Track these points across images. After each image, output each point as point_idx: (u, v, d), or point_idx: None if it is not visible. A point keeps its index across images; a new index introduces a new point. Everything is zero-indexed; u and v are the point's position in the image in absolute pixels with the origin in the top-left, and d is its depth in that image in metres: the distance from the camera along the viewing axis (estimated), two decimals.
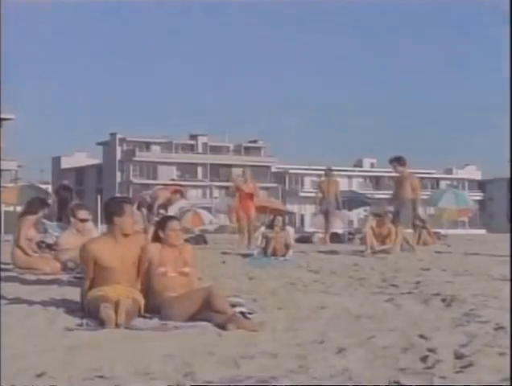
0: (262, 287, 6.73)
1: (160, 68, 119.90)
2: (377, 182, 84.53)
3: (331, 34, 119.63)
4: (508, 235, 20.98)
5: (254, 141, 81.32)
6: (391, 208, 11.75)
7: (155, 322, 4.63)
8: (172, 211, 12.53)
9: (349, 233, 18.93)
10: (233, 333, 4.30)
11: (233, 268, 9.03)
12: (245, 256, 11.04)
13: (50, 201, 9.57)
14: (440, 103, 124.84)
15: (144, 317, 4.74)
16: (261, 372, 3.27)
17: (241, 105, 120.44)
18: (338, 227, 19.55)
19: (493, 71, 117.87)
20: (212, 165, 76.93)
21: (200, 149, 78.99)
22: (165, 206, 11.97)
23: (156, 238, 5.07)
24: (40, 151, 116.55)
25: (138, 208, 11.99)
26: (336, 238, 17.68)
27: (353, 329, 4.41)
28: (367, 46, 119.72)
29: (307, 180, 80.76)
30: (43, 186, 27.57)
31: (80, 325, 4.50)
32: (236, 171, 73.69)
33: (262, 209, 20.70)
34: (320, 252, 12.59)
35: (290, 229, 11.67)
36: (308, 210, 65.73)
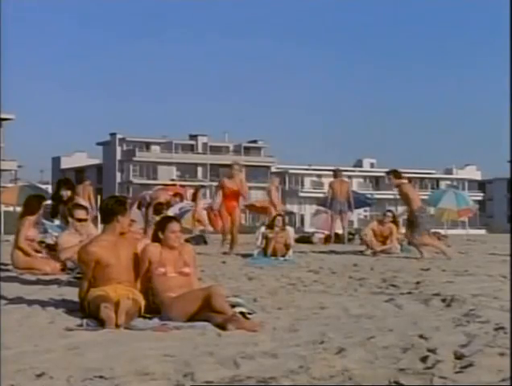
0: (262, 287, 6.73)
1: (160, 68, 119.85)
2: (377, 182, 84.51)
3: (331, 34, 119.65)
4: (508, 235, 20.99)
5: (254, 141, 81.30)
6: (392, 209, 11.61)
7: (155, 322, 4.63)
8: (172, 211, 12.54)
9: (349, 233, 18.90)
10: (233, 333, 4.31)
11: (233, 268, 9.03)
12: (245, 256, 11.04)
13: (47, 198, 9.37)
14: (441, 103, 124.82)
15: (144, 317, 4.75)
16: (261, 372, 3.26)
17: (241, 105, 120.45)
18: (338, 228, 19.52)
19: (494, 71, 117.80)
20: (212, 165, 76.88)
21: (199, 149, 78.95)
22: (164, 207, 11.89)
23: (156, 238, 5.07)
24: (40, 151, 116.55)
25: (138, 208, 11.99)
26: (336, 238, 17.68)
27: (352, 329, 4.41)
28: (367, 45, 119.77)
29: (307, 180, 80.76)
30: (43, 187, 27.54)
31: (80, 325, 4.50)
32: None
33: (262, 209, 20.68)
34: (320, 252, 12.58)
35: (290, 229, 11.66)
36: (308, 210, 65.69)
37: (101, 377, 3.20)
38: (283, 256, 10.83)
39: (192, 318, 4.62)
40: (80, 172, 73.36)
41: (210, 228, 16.85)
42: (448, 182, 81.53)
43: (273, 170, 80.00)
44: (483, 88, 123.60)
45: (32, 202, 8.51)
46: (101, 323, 4.47)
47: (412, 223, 11.13)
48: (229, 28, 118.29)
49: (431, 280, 7.30)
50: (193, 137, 79.49)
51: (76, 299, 5.10)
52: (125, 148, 76.62)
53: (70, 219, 7.81)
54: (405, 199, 11.31)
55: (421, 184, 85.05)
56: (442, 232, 21.02)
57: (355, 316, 4.98)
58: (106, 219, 5.06)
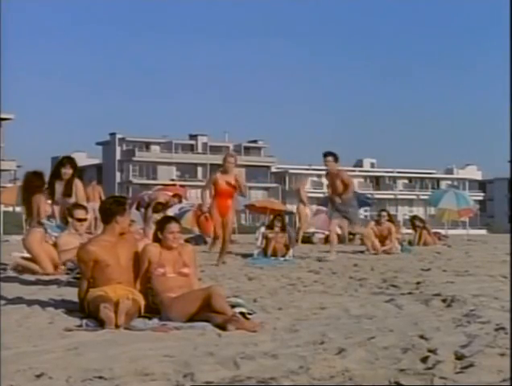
0: (262, 287, 6.72)
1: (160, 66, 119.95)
2: (377, 182, 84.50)
3: (331, 34, 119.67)
4: (508, 235, 20.97)
5: (254, 141, 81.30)
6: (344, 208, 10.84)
7: (155, 322, 4.63)
8: (172, 211, 12.51)
9: (350, 233, 18.90)
10: (233, 333, 4.30)
11: (233, 268, 9.02)
12: (245, 256, 11.03)
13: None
14: (441, 102, 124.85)
15: (144, 317, 4.74)
16: (261, 373, 3.26)
17: (241, 105, 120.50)
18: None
19: (496, 70, 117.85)
20: (212, 165, 76.72)
21: (199, 149, 78.89)
22: (163, 208, 11.82)
23: (157, 238, 5.07)
24: (39, 151, 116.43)
25: (137, 208, 11.99)
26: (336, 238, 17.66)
27: (353, 329, 4.40)
28: (368, 45, 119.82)
29: (308, 180, 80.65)
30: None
31: (80, 325, 4.50)
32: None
33: (262, 210, 20.68)
34: (320, 252, 12.57)
35: (290, 229, 11.65)
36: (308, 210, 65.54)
37: (100, 378, 3.20)
38: (283, 256, 10.82)
39: (192, 319, 4.61)
40: (79, 172, 73.22)
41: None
42: (449, 182, 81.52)
43: (273, 170, 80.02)
44: (484, 88, 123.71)
45: (33, 178, 8.11)
46: (100, 323, 4.47)
47: (349, 213, 10.76)
48: (228, 28, 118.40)
49: (431, 280, 7.29)
50: (193, 136, 79.45)
51: (76, 299, 5.10)
52: (124, 148, 76.58)
53: (70, 219, 7.78)
54: (342, 186, 10.59)
55: (421, 184, 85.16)
56: (442, 232, 21.04)
57: (355, 316, 4.97)
58: (105, 220, 5.06)
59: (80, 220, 7.74)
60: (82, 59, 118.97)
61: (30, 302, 5.29)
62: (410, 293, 6.16)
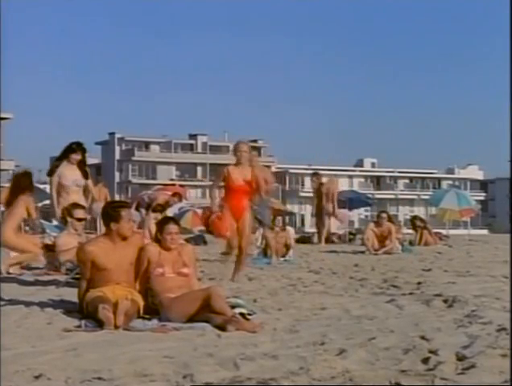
0: (262, 288, 6.70)
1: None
2: (378, 182, 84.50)
3: (332, 33, 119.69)
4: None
5: (254, 141, 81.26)
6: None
7: (154, 323, 4.61)
8: (171, 211, 12.47)
9: (350, 233, 18.90)
10: (233, 334, 4.28)
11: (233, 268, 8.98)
12: None
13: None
14: (442, 102, 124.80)
15: (143, 318, 4.73)
16: (261, 374, 3.24)
17: (241, 104, 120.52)
18: (339, 228, 19.51)
19: (497, 70, 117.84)
20: (211, 164, 76.74)
21: (199, 148, 78.82)
22: (163, 208, 11.73)
23: (157, 239, 5.06)
24: (38, 151, 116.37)
25: (137, 209, 11.95)
26: (336, 238, 17.67)
27: (353, 330, 4.39)
28: (369, 44, 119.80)
29: (308, 180, 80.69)
30: (41, 186, 27.44)
31: (79, 326, 4.48)
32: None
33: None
34: (320, 252, 12.56)
35: (290, 229, 11.64)
36: (309, 210, 65.64)
37: (99, 378, 3.18)
38: (283, 256, 10.81)
39: (192, 319, 4.59)
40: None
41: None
42: (450, 182, 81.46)
43: (273, 169, 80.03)
44: (485, 87, 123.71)
45: (21, 179, 7.99)
46: (99, 324, 4.45)
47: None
48: (228, 27, 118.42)
49: (432, 280, 7.29)
50: (193, 136, 79.37)
51: (75, 300, 5.09)
52: (124, 147, 76.50)
53: (69, 219, 7.74)
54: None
55: (422, 184, 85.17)
56: (443, 232, 21.03)
57: (356, 317, 4.96)
58: (104, 223, 5.08)
59: (79, 220, 7.72)
60: (81, 58, 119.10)
61: (28, 303, 5.28)
62: (411, 294, 6.15)
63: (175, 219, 5.22)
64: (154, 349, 3.79)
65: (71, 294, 5.39)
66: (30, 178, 8.11)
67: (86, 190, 8.16)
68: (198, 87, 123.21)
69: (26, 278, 7.31)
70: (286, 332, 4.38)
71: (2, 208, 8.56)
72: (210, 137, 79.40)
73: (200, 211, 20.05)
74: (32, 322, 4.60)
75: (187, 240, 10.38)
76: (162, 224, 5.04)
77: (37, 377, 3.19)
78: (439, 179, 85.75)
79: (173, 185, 31.37)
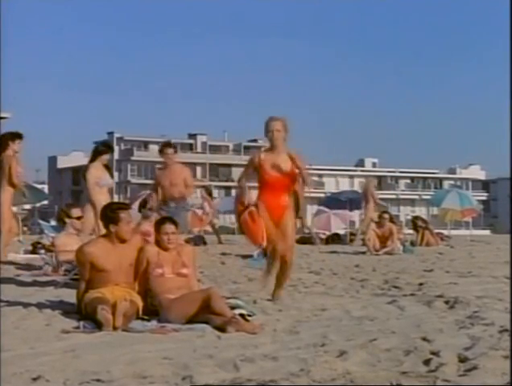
0: (262, 289, 6.66)
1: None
2: (379, 182, 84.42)
3: (332, 33, 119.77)
4: None
5: (254, 140, 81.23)
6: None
7: (153, 324, 4.59)
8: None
9: (351, 234, 18.88)
10: (233, 335, 4.27)
11: (233, 269, 8.99)
12: (245, 257, 10.99)
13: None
14: (444, 101, 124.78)
15: (142, 319, 4.71)
16: (261, 375, 3.23)
17: (241, 103, 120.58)
18: (339, 228, 19.50)
19: (499, 69, 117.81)
20: (211, 164, 76.67)
21: (199, 148, 78.61)
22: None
23: (156, 239, 5.03)
24: (36, 150, 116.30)
25: (139, 210, 11.88)
26: (337, 239, 17.66)
27: (354, 331, 4.37)
28: (370, 44, 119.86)
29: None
30: (39, 186, 27.41)
31: (77, 327, 4.47)
32: (235, 171, 73.59)
33: None
34: (321, 252, 12.55)
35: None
36: (309, 210, 65.57)
37: (98, 380, 3.16)
38: None
39: (191, 320, 4.58)
40: (77, 172, 73.31)
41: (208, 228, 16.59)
42: (452, 182, 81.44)
43: None
44: (487, 87, 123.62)
45: (8, 137, 7.79)
46: (98, 325, 4.44)
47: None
48: (227, 27, 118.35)
49: (434, 281, 7.27)
50: (192, 136, 79.09)
51: (73, 301, 5.07)
52: (122, 147, 76.32)
53: (67, 220, 7.72)
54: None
55: (424, 184, 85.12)
56: (445, 232, 21.00)
57: (357, 318, 4.94)
58: (103, 226, 5.06)
59: (78, 218, 7.68)
60: (79, 57, 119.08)
61: (26, 304, 5.27)
62: (412, 295, 6.14)
63: (172, 219, 5.18)
64: (154, 350, 3.78)
65: (69, 295, 5.38)
66: (19, 138, 7.88)
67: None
68: (197, 86, 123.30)
69: (24, 279, 7.30)
70: (287, 333, 4.36)
71: None
72: (210, 136, 79.19)
73: (199, 212, 19.97)
74: (30, 323, 4.60)
75: (186, 241, 10.33)
76: (158, 225, 5.02)
77: (35, 379, 3.18)
78: (441, 179, 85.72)
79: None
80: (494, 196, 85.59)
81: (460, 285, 6.95)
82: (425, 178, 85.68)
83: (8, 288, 6.50)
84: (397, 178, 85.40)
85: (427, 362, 3.44)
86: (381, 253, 12.45)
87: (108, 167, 8.15)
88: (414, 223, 16.94)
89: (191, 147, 78.61)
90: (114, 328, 4.41)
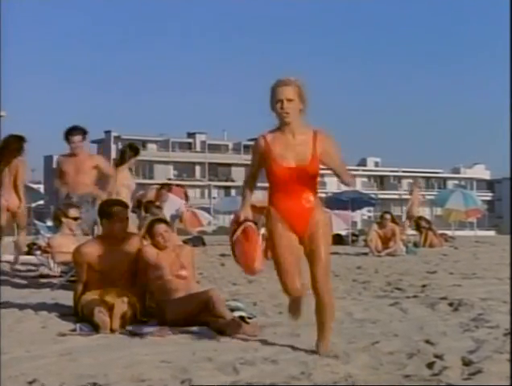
0: (263, 291, 6.66)
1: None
2: (381, 181, 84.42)
3: (333, 31, 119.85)
4: None
5: (254, 140, 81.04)
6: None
7: (152, 326, 4.56)
8: (169, 211, 12.28)
9: (353, 235, 18.84)
10: (233, 338, 4.22)
11: (232, 270, 8.92)
12: None
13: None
14: (448, 100, 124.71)
15: (140, 321, 4.67)
16: (261, 379, 3.20)
17: (240, 103, 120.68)
18: (340, 229, 19.44)
19: (502, 68, 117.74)
20: (210, 164, 76.54)
21: (198, 147, 78.40)
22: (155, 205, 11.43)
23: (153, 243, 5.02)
24: (32, 149, 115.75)
25: (133, 211, 11.81)
26: (339, 240, 17.61)
27: (356, 334, 4.34)
28: (372, 43, 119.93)
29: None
30: (35, 186, 27.41)
31: (74, 330, 4.44)
32: (235, 171, 73.38)
33: (262, 210, 20.52)
34: None
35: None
36: None
37: (95, 384, 3.14)
38: None
39: (190, 323, 4.54)
40: None
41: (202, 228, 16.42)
42: (456, 182, 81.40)
43: None
44: (491, 86, 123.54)
45: (12, 141, 7.53)
46: (95, 328, 4.42)
47: None
48: (226, 26, 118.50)
49: (437, 283, 7.26)
50: (191, 135, 78.89)
51: (70, 303, 5.07)
52: (120, 146, 76.31)
53: (64, 220, 7.64)
54: None
55: (427, 184, 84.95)
56: (449, 233, 20.95)
57: (359, 320, 4.91)
58: (100, 222, 5.02)
59: (75, 219, 7.61)
60: (77, 55, 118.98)
61: (22, 306, 5.26)
62: (415, 297, 6.12)
63: (161, 219, 5.19)
64: (152, 353, 3.75)
65: (66, 297, 5.37)
66: (22, 142, 7.66)
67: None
68: (196, 85, 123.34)
69: (19, 281, 7.26)
70: (287, 336, 4.33)
71: None
72: (209, 135, 78.90)
73: (198, 212, 19.91)
74: (26, 325, 4.58)
75: (185, 242, 10.27)
76: (150, 229, 4.99)
77: (31, 383, 3.15)
78: (445, 179, 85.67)
79: (177, 186, 31.27)
80: (499, 196, 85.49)
81: (465, 286, 6.93)
82: (428, 178, 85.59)
83: (3, 290, 6.50)
84: (400, 178, 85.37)
85: (430, 365, 3.41)
86: (383, 254, 12.40)
87: (131, 169, 8.24)
88: (418, 223, 16.88)
89: (189, 146, 78.43)
90: (112, 331, 4.39)
